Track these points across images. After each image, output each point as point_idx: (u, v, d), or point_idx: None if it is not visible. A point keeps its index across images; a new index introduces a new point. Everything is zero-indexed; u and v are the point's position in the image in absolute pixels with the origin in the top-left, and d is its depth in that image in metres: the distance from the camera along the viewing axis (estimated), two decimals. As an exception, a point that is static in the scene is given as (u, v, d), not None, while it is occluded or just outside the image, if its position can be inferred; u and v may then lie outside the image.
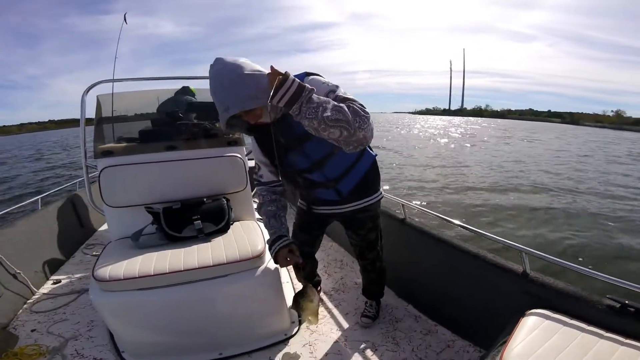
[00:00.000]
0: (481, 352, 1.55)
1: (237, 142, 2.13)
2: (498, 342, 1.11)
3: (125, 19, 2.67)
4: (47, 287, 2.36)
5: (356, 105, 1.05)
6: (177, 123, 2.19)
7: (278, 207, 1.45)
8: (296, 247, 1.39)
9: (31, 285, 2.24)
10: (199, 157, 1.97)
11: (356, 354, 1.62)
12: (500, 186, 8.48)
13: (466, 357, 1.57)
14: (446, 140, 23.71)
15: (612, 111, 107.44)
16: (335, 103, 1.03)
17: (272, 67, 1.04)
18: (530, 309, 1.19)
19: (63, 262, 2.72)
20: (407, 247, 2.07)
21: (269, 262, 1.56)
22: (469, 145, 20.37)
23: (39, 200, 2.96)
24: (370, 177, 1.48)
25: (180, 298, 1.45)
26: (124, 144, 2.06)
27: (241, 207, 2.01)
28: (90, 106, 2.17)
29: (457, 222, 1.84)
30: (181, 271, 1.43)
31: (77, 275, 2.51)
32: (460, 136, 28.63)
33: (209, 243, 1.65)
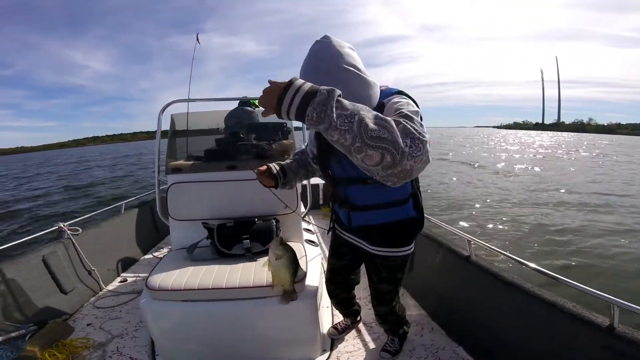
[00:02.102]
0: None
1: None
2: None
3: (197, 39, 2.89)
4: (114, 284, 2.63)
5: (410, 124, 0.76)
6: (238, 144, 2.32)
7: (302, 157, 1.49)
8: (274, 166, 1.38)
9: (101, 282, 2.53)
10: (254, 177, 2.05)
11: None
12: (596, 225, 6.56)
13: None
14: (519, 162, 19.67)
15: None
16: (377, 113, 0.76)
17: (270, 81, 0.78)
18: None
19: (134, 262, 3.03)
20: (468, 287, 1.89)
21: (308, 288, 1.55)
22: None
23: (123, 205, 3.37)
24: (397, 232, 1.28)
25: (218, 314, 1.50)
26: (191, 162, 2.24)
27: (290, 228, 2.03)
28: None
29: (532, 264, 1.64)
30: (222, 288, 1.49)
31: (142, 275, 2.76)
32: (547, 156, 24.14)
33: (254, 263, 1.70)
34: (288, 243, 1.37)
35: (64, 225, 2.50)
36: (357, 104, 0.76)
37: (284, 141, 2.37)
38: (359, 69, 1.03)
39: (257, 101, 2.95)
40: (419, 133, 0.75)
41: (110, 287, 2.59)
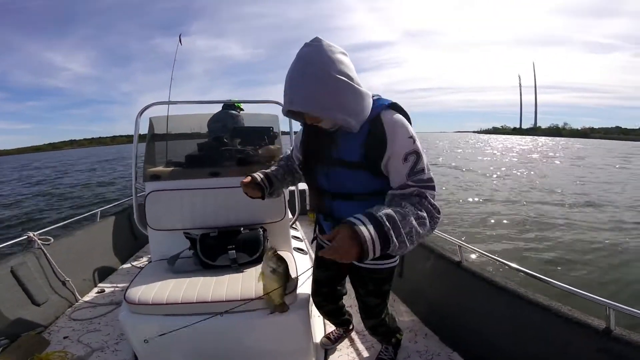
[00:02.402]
0: None
1: None
2: None
3: (180, 40, 2.80)
4: (91, 295, 2.49)
5: (429, 203, 0.93)
6: (222, 149, 2.23)
7: (288, 163, 1.43)
8: (259, 176, 1.33)
9: (77, 293, 2.39)
10: (239, 185, 1.97)
11: None
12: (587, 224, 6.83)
13: None
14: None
15: None
16: (416, 212, 0.88)
17: (327, 251, 0.79)
18: None
19: (112, 272, 2.89)
20: (460, 293, 1.87)
21: (299, 298, 1.50)
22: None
23: (98, 212, 3.21)
24: None
25: (205, 328, 1.40)
26: (170, 169, 2.14)
27: (278, 237, 1.96)
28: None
29: (524, 269, 1.62)
30: (208, 302, 1.41)
31: (120, 286, 2.64)
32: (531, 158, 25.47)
33: (240, 274, 1.62)
34: (281, 254, 1.31)
35: (33, 235, 2.35)
36: (404, 219, 0.85)
37: (271, 146, 2.29)
38: (351, 78, 0.94)
39: (240, 104, 2.86)
40: (436, 210, 0.93)
41: (87, 298, 2.45)
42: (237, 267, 1.68)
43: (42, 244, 2.34)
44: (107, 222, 3.17)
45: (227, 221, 1.89)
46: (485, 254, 1.84)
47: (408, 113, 1.04)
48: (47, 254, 2.33)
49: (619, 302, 1.21)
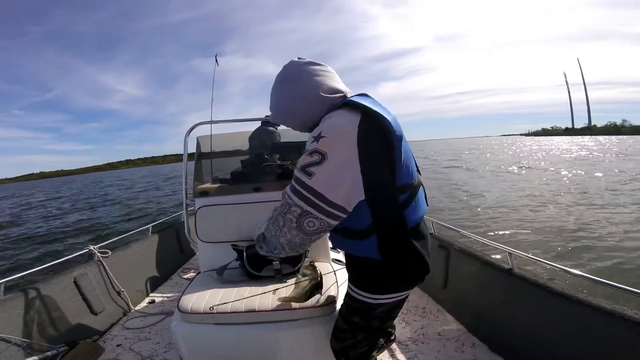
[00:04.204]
0: None
1: None
2: None
3: (216, 61, 2.93)
4: (143, 305, 2.68)
5: (280, 208, 0.99)
6: (263, 165, 2.36)
7: None
8: None
9: (130, 303, 2.59)
10: (279, 198, 2.06)
11: None
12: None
13: None
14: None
15: None
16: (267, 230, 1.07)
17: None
18: None
19: (161, 284, 3.10)
20: (512, 300, 1.84)
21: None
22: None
23: (150, 227, 3.47)
24: (358, 269, 1.09)
25: (251, 337, 1.50)
26: (217, 185, 2.29)
27: (317, 248, 2.02)
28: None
29: (576, 271, 1.62)
30: (255, 311, 1.48)
31: (170, 296, 2.82)
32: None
33: (284, 284, 1.69)
34: (316, 265, 1.38)
35: (94, 248, 2.60)
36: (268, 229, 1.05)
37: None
38: (298, 82, 1.02)
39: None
40: (282, 210, 0.97)
41: (139, 307, 2.64)
42: (281, 277, 1.76)
43: (101, 256, 2.58)
44: (157, 237, 3.42)
45: None
46: (538, 260, 1.81)
47: (372, 111, 0.90)
48: (106, 266, 2.56)
49: None
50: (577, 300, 1.47)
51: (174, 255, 3.55)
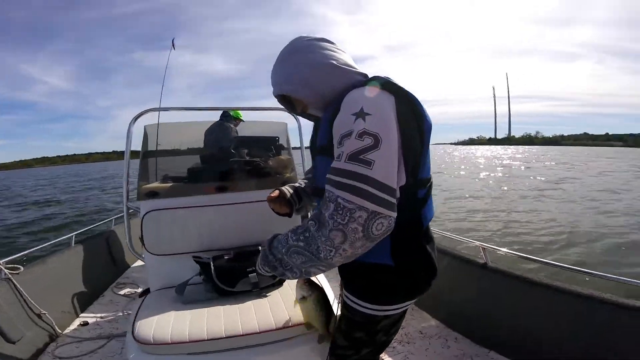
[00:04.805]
0: None
1: (291, 182, 1.93)
2: None
3: (173, 45, 2.64)
4: (73, 328, 2.22)
5: (329, 214, 0.67)
6: (230, 160, 2.04)
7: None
8: (288, 191, 1.14)
9: (56, 327, 2.10)
10: (252, 199, 1.78)
11: None
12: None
13: None
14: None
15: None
16: (299, 237, 0.75)
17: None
18: None
19: (92, 302, 2.60)
20: (489, 293, 1.92)
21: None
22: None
23: (73, 237, 2.89)
24: (362, 278, 0.90)
25: None
26: (170, 184, 1.92)
27: None
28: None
29: (557, 263, 1.82)
30: (241, 335, 1.22)
31: (107, 317, 2.37)
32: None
33: (266, 299, 1.45)
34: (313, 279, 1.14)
35: (0, 264, 2.06)
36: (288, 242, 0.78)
37: (281, 157, 2.11)
38: (312, 52, 0.87)
39: (240, 113, 2.68)
40: (338, 220, 0.66)
41: (70, 332, 2.17)
42: (259, 291, 1.50)
43: (10, 273, 2.04)
44: (82, 247, 2.84)
45: (242, 240, 1.69)
46: (511, 252, 1.98)
47: (405, 92, 0.79)
48: (17, 284, 2.04)
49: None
50: (554, 287, 1.57)
51: (104, 269, 3.01)
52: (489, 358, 1.77)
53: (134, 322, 1.30)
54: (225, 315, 1.32)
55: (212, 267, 1.50)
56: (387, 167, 0.69)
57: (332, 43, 0.91)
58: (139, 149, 2.03)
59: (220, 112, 2.60)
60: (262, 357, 1.25)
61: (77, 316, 2.37)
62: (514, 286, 1.76)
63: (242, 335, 1.22)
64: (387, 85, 0.77)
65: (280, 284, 1.57)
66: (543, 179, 16.03)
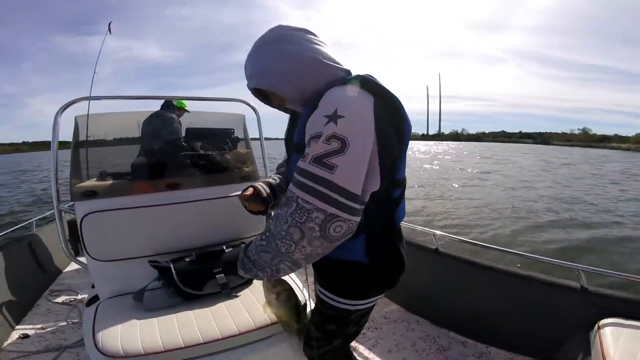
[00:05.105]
0: None
1: (250, 177, 1.83)
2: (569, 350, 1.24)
3: (109, 29, 2.40)
4: (14, 342, 1.93)
5: (290, 212, 0.68)
6: (181, 154, 1.87)
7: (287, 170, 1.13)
8: (263, 188, 1.08)
9: None
10: (209, 196, 1.65)
11: None
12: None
13: None
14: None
15: (579, 129, 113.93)
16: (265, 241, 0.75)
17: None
18: (598, 320, 1.30)
19: (26, 312, 2.29)
20: (442, 277, 2.04)
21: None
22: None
23: None
24: (335, 274, 0.92)
25: None
26: (110, 182, 1.69)
27: None
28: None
29: (500, 247, 2.03)
30: (220, 339, 1.16)
31: (48, 328, 2.10)
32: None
33: (237, 299, 1.37)
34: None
35: None
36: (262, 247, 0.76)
37: (240, 150, 1.98)
38: (292, 42, 0.80)
39: (184, 103, 2.48)
40: (296, 219, 0.67)
41: (8, 345, 1.89)
42: (229, 292, 1.39)
43: None
44: (1, 254, 2.44)
45: (203, 240, 1.58)
46: (458, 238, 2.15)
47: (386, 92, 0.78)
48: None
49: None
50: (500, 270, 1.75)
51: (32, 276, 2.63)
52: (450, 338, 1.88)
53: (93, 333, 1.15)
54: (197, 320, 1.23)
55: (174, 271, 1.36)
56: (350, 172, 0.69)
57: (315, 35, 0.84)
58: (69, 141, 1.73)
59: (162, 101, 2.39)
60: (245, 357, 1.20)
61: (13, 329, 2.06)
62: (463, 270, 1.91)
63: (222, 339, 1.16)
64: (368, 84, 0.76)
65: (250, 282, 1.48)
66: (476, 170, 18.61)
